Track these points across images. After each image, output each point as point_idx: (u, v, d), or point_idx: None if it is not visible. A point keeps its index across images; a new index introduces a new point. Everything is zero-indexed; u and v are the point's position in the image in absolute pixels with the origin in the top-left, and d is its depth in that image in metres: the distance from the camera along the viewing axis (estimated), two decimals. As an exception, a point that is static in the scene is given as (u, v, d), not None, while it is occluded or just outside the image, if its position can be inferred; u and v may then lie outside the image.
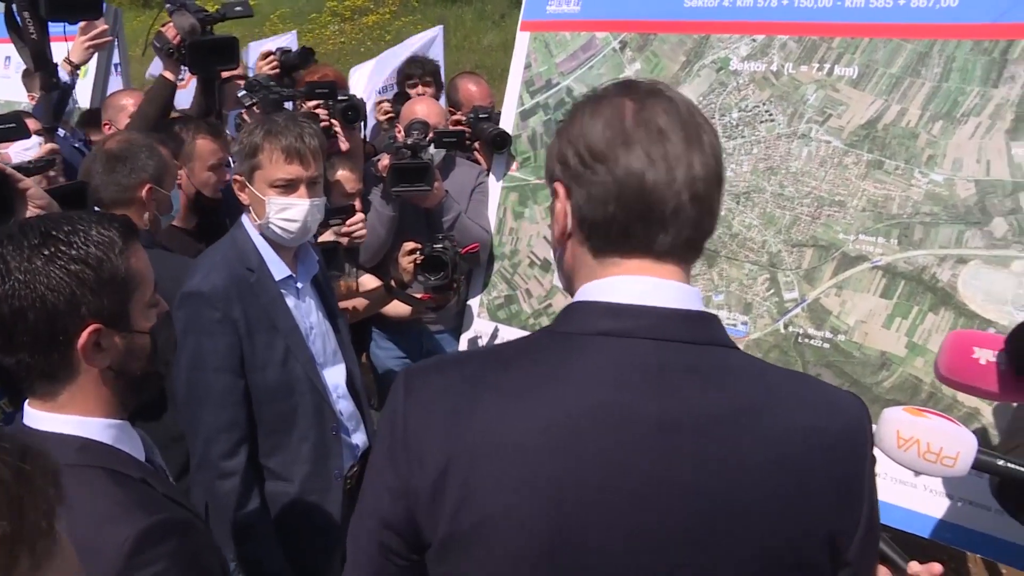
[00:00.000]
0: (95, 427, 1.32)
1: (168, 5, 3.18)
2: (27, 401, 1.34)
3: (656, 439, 0.96)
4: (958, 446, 1.32)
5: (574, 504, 0.95)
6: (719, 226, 2.60)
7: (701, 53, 2.79)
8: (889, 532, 2.33)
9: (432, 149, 3.10)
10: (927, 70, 2.41)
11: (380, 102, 4.74)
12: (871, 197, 2.46)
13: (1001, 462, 1.35)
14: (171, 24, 3.15)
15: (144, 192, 2.48)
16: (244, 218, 2.35)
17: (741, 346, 2.58)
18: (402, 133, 3.23)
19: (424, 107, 3.34)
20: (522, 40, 3.25)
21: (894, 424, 1.35)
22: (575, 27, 3.09)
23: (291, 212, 2.27)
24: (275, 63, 3.64)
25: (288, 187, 2.27)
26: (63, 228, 1.29)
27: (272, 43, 7.02)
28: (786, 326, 2.56)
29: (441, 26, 6.35)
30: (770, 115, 2.64)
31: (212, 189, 3.03)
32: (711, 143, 1.03)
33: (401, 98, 4.47)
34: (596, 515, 0.95)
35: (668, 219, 1.01)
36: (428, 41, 6.00)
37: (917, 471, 1.36)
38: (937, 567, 1.22)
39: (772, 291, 2.59)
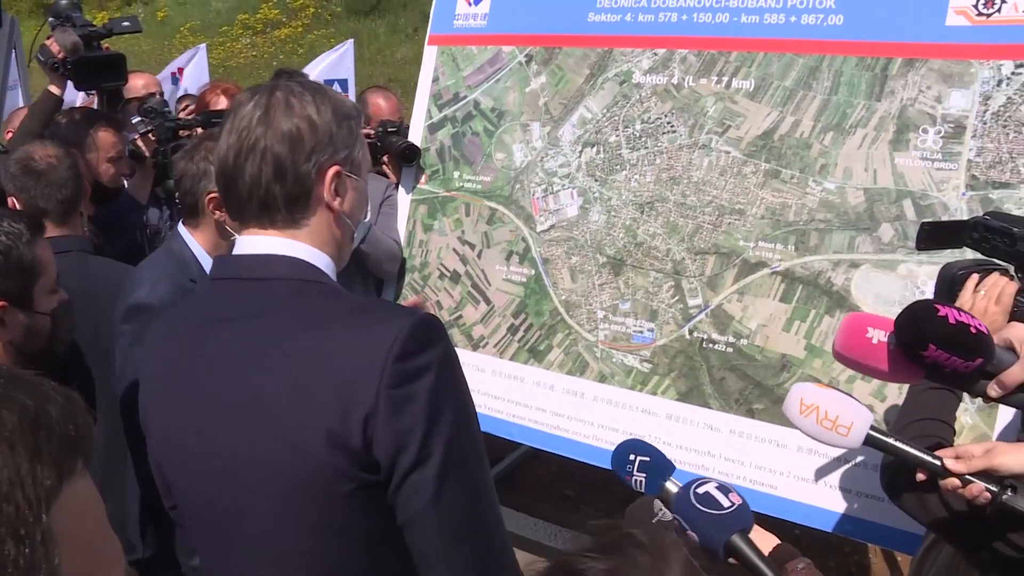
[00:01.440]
0: None
1: (51, 19, 3.10)
2: None
3: (209, 346, 1.30)
4: (852, 417, 1.40)
5: (166, 392, 1.35)
6: (624, 236, 2.69)
7: (605, 67, 2.85)
8: (797, 528, 2.43)
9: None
10: (818, 83, 2.52)
11: None
12: (769, 205, 2.55)
13: (891, 440, 1.43)
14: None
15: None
16: (182, 230, 2.36)
17: (648, 352, 2.66)
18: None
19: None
20: (430, 54, 3.27)
21: (799, 392, 1.44)
22: (482, 41, 3.13)
23: None
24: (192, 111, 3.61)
25: None
26: None
27: (183, 59, 6.88)
28: (691, 332, 2.63)
29: (351, 40, 6.31)
30: (672, 127, 2.72)
31: (111, 179, 3.14)
32: (255, 135, 1.28)
33: None
34: (180, 396, 1.32)
35: (231, 193, 1.32)
36: (338, 56, 5.97)
37: (814, 437, 1.44)
38: None
39: (677, 298, 2.66)
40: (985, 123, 2.29)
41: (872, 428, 1.41)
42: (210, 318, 1.32)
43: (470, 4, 3.19)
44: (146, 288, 2.22)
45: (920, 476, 1.50)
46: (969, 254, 1.95)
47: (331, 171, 1.30)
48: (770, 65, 2.59)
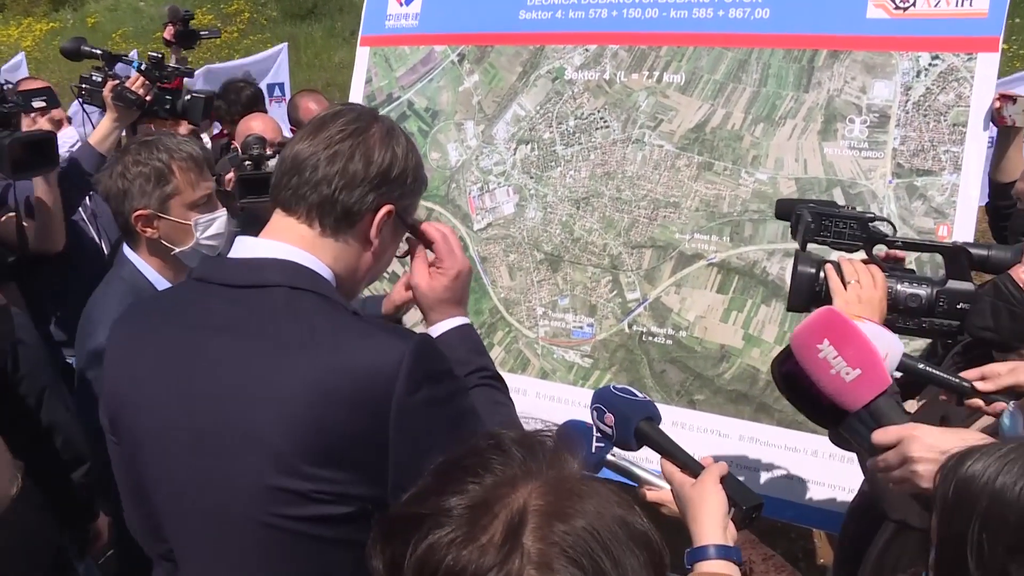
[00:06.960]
0: None
1: None
2: None
3: (196, 356, 1.27)
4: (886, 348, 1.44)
5: (143, 395, 1.32)
6: (561, 232, 2.69)
7: (537, 64, 2.85)
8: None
9: (272, 163, 3.03)
10: (747, 76, 2.55)
11: None
12: (703, 197, 2.57)
13: (920, 365, 1.50)
14: None
15: None
16: (128, 252, 2.22)
17: (588, 348, 2.67)
18: (240, 150, 3.16)
19: (260, 123, 3.37)
20: (362, 55, 3.23)
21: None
22: (414, 41, 3.10)
23: (216, 225, 2.24)
24: None
25: (209, 201, 2.22)
26: None
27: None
28: (630, 325, 2.64)
29: (285, 44, 6.22)
30: (605, 122, 2.72)
31: None
32: (347, 144, 1.31)
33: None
34: (160, 403, 1.29)
35: (291, 179, 1.32)
36: (274, 61, 5.89)
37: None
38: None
39: (615, 292, 2.67)
40: (907, 113, 2.34)
41: (905, 356, 1.48)
42: (197, 326, 1.29)
43: (401, 4, 3.16)
44: (101, 332, 2.03)
45: (943, 397, 1.57)
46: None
47: (385, 208, 1.33)
48: (700, 59, 2.61)
